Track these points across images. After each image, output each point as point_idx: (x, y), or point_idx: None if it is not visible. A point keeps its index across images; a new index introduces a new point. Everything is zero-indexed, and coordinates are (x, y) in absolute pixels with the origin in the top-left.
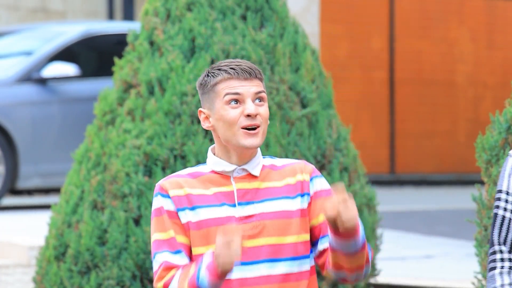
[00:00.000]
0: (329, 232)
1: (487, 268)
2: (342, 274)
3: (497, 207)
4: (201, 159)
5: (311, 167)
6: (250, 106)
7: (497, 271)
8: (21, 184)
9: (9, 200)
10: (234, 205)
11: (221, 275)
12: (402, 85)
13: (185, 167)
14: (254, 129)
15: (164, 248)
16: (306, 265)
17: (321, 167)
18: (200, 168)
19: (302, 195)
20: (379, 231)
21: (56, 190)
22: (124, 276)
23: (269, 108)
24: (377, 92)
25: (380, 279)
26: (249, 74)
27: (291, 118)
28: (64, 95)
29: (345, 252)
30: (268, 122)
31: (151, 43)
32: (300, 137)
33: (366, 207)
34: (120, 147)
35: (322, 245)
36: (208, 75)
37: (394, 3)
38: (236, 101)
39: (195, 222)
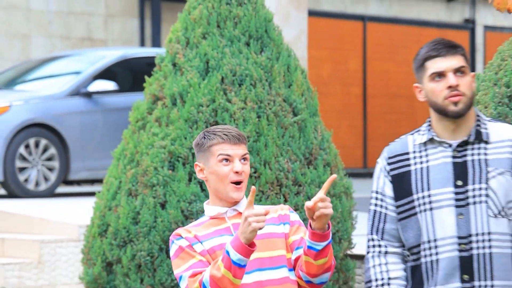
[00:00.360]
0: (306, 235)
1: (366, 253)
2: (310, 276)
3: (371, 204)
4: None
5: (287, 206)
6: (238, 165)
7: (370, 254)
8: (72, 176)
9: (63, 189)
10: (231, 235)
11: (245, 243)
12: (373, 98)
13: None
14: (239, 183)
15: (189, 269)
16: (293, 276)
17: (308, 163)
18: (201, 219)
19: (284, 224)
20: (354, 213)
21: (99, 181)
22: (153, 249)
23: (267, 116)
24: (353, 104)
25: (355, 251)
26: (238, 140)
27: (285, 124)
28: (105, 106)
29: (316, 253)
30: (248, 178)
31: (174, 65)
32: (292, 139)
33: (344, 194)
34: (150, 147)
35: (296, 252)
36: (204, 138)
37: (366, 33)
38: (227, 160)
39: (208, 248)
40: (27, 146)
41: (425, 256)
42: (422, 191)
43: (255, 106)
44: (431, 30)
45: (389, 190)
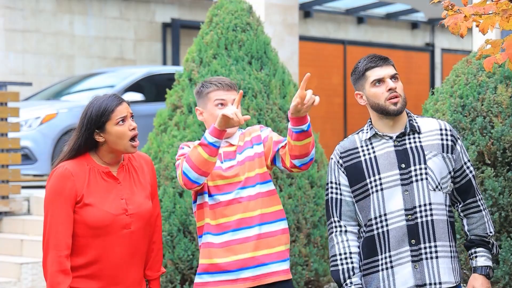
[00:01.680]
0: (289, 123)
1: (328, 234)
2: (296, 157)
3: (328, 194)
4: None
5: (258, 126)
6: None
7: (333, 234)
8: None
9: None
10: (221, 162)
11: (217, 127)
12: (352, 107)
13: None
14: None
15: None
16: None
17: None
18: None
19: (258, 144)
20: None
21: None
22: (173, 230)
23: (265, 121)
24: (335, 111)
25: None
26: (230, 87)
27: (280, 128)
28: (134, 113)
29: (298, 135)
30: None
31: (190, 79)
32: None
33: None
34: (170, 146)
35: (282, 145)
36: (203, 86)
37: (346, 54)
38: (222, 104)
39: None
40: None
41: (377, 228)
42: (374, 175)
43: (256, 113)
44: (398, 52)
45: (343, 180)
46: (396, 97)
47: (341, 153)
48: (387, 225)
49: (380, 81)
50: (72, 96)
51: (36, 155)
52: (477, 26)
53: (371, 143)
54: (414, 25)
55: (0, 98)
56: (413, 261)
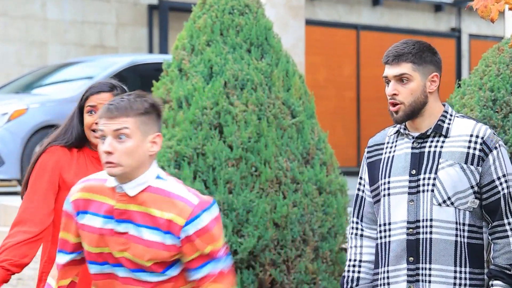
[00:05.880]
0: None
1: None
2: None
3: (357, 188)
4: (216, 156)
5: (190, 210)
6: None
7: (350, 235)
8: None
9: None
10: None
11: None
12: (366, 102)
13: (204, 162)
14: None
15: None
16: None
17: (306, 162)
18: None
19: (172, 235)
20: (349, 209)
21: None
22: None
23: (267, 118)
24: (347, 107)
25: None
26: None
27: (284, 125)
28: None
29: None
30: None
31: (180, 70)
32: (291, 140)
33: (339, 191)
34: None
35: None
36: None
37: (359, 41)
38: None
39: None
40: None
41: (381, 237)
42: (385, 177)
43: (256, 108)
44: (419, 38)
45: (366, 176)
46: (396, 104)
47: (368, 146)
48: (389, 236)
49: (388, 81)
50: (45, 89)
51: (3, 157)
52: (510, 9)
53: (396, 140)
54: (438, 8)
55: None
56: (408, 281)
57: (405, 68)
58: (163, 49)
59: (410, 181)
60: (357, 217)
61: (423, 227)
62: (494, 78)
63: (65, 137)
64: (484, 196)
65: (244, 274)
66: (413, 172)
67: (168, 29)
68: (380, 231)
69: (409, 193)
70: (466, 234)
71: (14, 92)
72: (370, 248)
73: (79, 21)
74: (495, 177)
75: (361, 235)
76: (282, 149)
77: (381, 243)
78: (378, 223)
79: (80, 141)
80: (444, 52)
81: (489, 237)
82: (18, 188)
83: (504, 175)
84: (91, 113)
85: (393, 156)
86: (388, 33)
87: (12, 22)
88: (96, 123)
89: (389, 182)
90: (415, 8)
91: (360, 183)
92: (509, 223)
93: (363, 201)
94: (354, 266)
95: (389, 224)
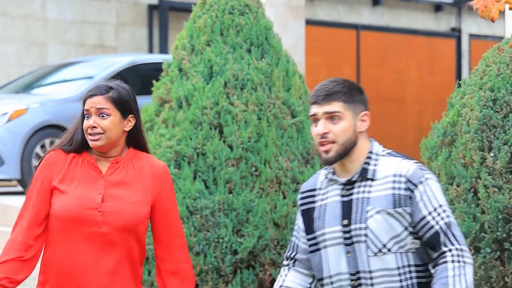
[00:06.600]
0: None
1: None
2: None
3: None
4: (216, 156)
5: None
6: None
7: (281, 270)
8: None
9: None
10: None
11: None
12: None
13: (204, 162)
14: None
15: None
16: None
17: (306, 162)
18: None
19: None
20: None
21: None
22: None
23: (267, 118)
24: None
25: None
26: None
27: (284, 125)
28: None
29: None
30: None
31: (180, 70)
32: (291, 139)
33: None
34: (157, 147)
35: None
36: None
37: (359, 41)
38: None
39: None
40: (43, 146)
41: None
42: (319, 229)
43: (256, 108)
44: (419, 38)
45: (301, 224)
46: (328, 143)
47: (301, 192)
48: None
49: (316, 119)
50: (45, 89)
51: (3, 157)
52: (510, 9)
53: (327, 186)
54: (438, 7)
55: None
56: None
57: (336, 106)
58: (163, 49)
59: (343, 232)
60: (290, 260)
61: (364, 278)
62: (494, 78)
63: (70, 142)
64: (420, 233)
65: (244, 274)
66: (345, 222)
67: (168, 29)
68: (326, 284)
69: (346, 245)
70: (414, 275)
71: (14, 92)
72: (296, 278)
73: (79, 21)
74: (425, 213)
75: (289, 268)
76: (282, 149)
77: None
78: (322, 276)
79: (83, 146)
80: (444, 52)
81: (432, 270)
82: (18, 188)
83: (435, 209)
84: (87, 117)
85: (325, 204)
86: (388, 33)
87: (12, 22)
88: (91, 127)
89: (324, 234)
90: (415, 8)
91: (295, 230)
92: (449, 250)
93: (296, 247)
94: None
95: (330, 277)
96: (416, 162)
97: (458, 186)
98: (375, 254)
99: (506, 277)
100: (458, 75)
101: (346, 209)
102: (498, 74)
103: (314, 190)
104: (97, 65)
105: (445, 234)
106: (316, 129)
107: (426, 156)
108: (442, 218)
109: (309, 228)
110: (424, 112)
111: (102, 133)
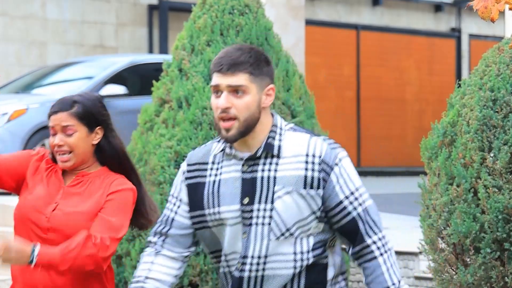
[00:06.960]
0: None
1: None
2: None
3: (166, 207)
4: None
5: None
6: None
7: (143, 253)
8: None
9: None
10: None
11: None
12: (366, 102)
13: None
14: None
15: None
16: None
17: None
18: None
19: None
20: None
21: None
22: None
23: None
24: (347, 107)
25: None
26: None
27: None
28: (115, 108)
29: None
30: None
31: (180, 70)
32: None
33: None
34: (157, 147)
35: None
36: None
37: (359, 41)
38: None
39: None
40: (42, 146)
41: (222, 266)
42: (213, 207)
43: None
44: (419, 38)
45: (185, 197)
46: (229, 119)
47: (188, 164)
48: (228, 267)
49: (218, 91)
50: (45, 89)
51: None
52: (510, 9)
53: (222, 160)
54: (438, 8)
55: None
56: None
57: (242, 79)
58: (163, 49)
59: (243, 211)
60: (160, 237)
61: (251, 264)
62: (494, 78)
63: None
64: (335, 219)
65: None
66: (246, 201)
67: (168, 29)
68: (222, 261)
69: (244, 224)
70: (309, 258)
71: (14, 92)
72: (163, 267)
73: (79, 21)
74: (342, 197)
75: (157, 253)
76: None
77: (222, 271)
78: (214, 249)
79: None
80: (444, 52)
81: (356, 262)
82: None
83: (352, 193)
84: (52, 134)
85: (219, 180)
86: (388, 33)
87: (12, 22)
88: (57, 145)
89: (219, 213)
90: (415, 8)
91: (172, 203)
92: (374, 242)
93: (171, 222)
94: (137, 282)
95: (225, 255)
96: (324, 139)
97: (458, 186)
98: (277, 238)
99: (506, 277)
100: (458, 75)
101: (248, 187)
102: (498, 74)
103: (205, 163)
104: (97, 65)
105: (364, 222)
106: (218, 102)
107: (426, 156)
108: (360, 204)
109: (195, 204)
110: (424, 112)
111: (70, 152)
